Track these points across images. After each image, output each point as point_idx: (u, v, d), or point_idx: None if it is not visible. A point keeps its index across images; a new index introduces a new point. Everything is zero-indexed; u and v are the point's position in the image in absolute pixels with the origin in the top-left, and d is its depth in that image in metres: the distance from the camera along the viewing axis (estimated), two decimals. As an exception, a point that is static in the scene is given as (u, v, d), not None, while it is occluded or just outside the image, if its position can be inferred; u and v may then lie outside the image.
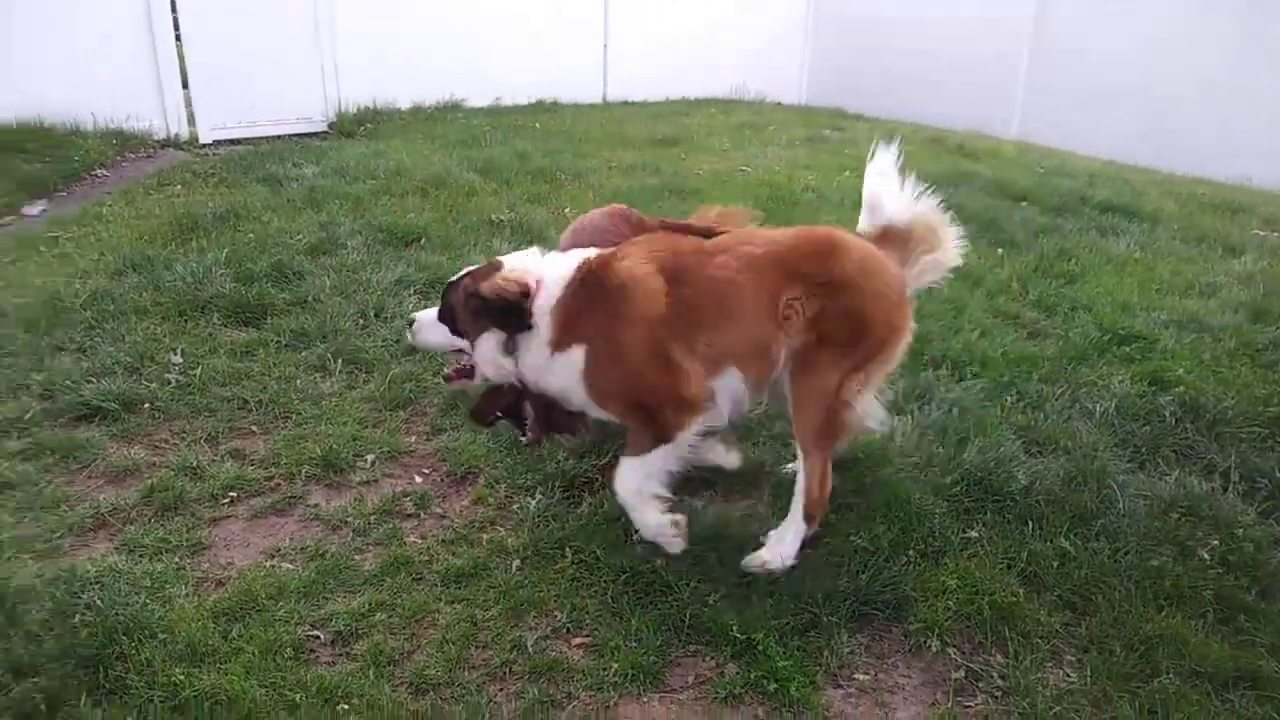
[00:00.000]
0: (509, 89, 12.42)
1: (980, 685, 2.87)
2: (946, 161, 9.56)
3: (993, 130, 12.36)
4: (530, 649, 2.95)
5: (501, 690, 2.81)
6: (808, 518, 3.30)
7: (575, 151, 9.50)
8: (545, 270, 3.26)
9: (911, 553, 3.36)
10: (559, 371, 3.23)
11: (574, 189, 8.06)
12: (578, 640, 3.02)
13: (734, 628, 2.98)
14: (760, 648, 2.91)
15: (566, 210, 7.28)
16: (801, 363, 3.19)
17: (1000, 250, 6.63)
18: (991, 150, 10.69)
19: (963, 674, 2.91)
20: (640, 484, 3.26)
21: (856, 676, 2.91)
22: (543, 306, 3.19)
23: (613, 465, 3.39)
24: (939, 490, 3.70)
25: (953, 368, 4.73)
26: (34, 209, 7.59)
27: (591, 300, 3.17)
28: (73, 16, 9.29)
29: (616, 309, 3.12)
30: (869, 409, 3.31)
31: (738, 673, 2.87)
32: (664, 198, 7.84)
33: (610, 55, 13.42)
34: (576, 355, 3.18)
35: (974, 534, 3.48)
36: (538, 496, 3.68)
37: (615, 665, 2.88)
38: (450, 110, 11.74)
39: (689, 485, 3.81)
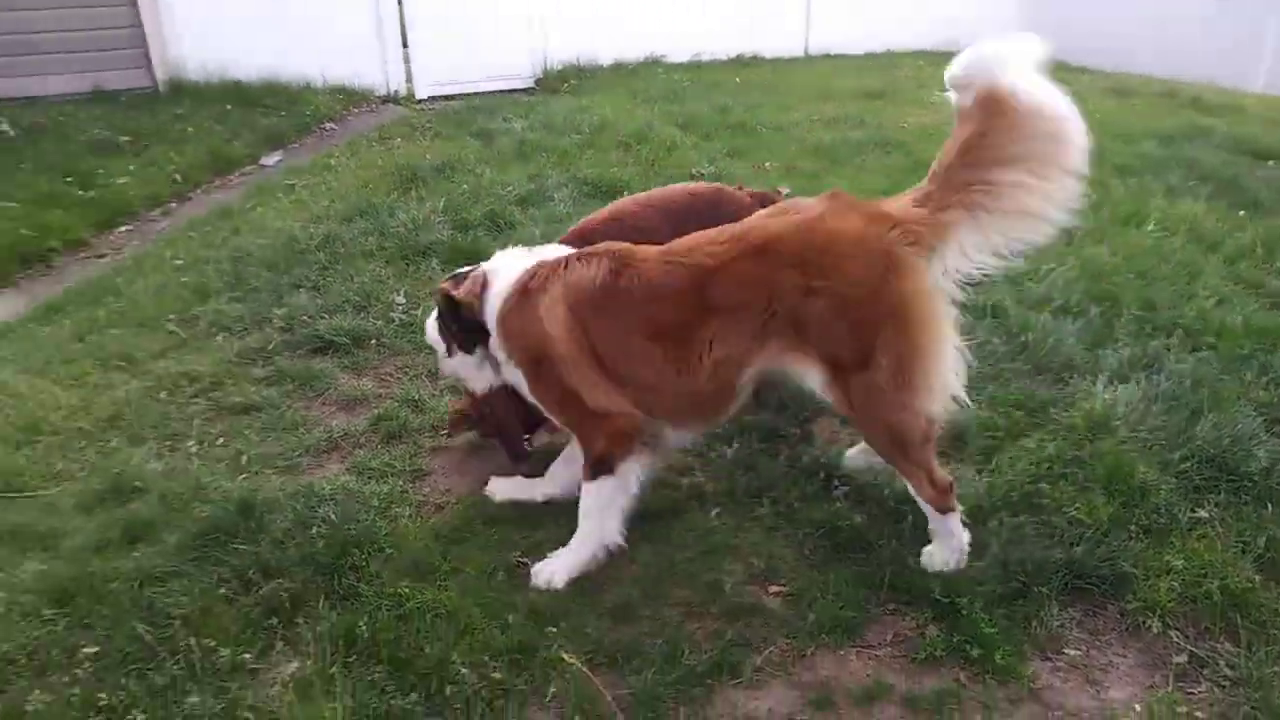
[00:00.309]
0: (709, 44, 12.36)
1: (1205, 673, 2.68)
2: (1182, 116, 8.83)
3: (1233, 84, 11.26)
4: (727, 592, 2.98)
5: (699, 628, 2.86)
6: (944, 510, 3.00)
7: (776, 105, 9.38)
8: (498, 279, 3.15)
9: (1133, 528, 3.16)
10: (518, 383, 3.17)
11: (775, 142, 7.98)
12: (774, 588, 3.03)
13: (936, 590, 2.91)
14: (964, 612, 2.82)
15: (767, 164, 7.23)
16: (830, 392, 2.89)
17: (1242, 212, 6.07)
18: (1232, 105, 9.74)
19: (1186, 659, 2.72)
20: (598, 518, 3.05)
21: (1067, 651, 2.78)
22: (490, 315, 3.14)
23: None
24: (1166, 465, 3.45)
25: (1185, 337, 4.38)
26: (271, 159, 8.24)
27: (522, 318, 3.04)
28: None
29: (541, 338, 2.99)
30: (935, 397, 2.83)
31: (939, 635, 2.79)
32: (868, 151, 7.65)
33: (814, 8, 13.07)
34: (519, 374, 3.12)
35: (1204, 514, 3.23)
36: (735, 445, 3.70)
37: (812, 616, 2.87)
38: (651, 66, 11.81)
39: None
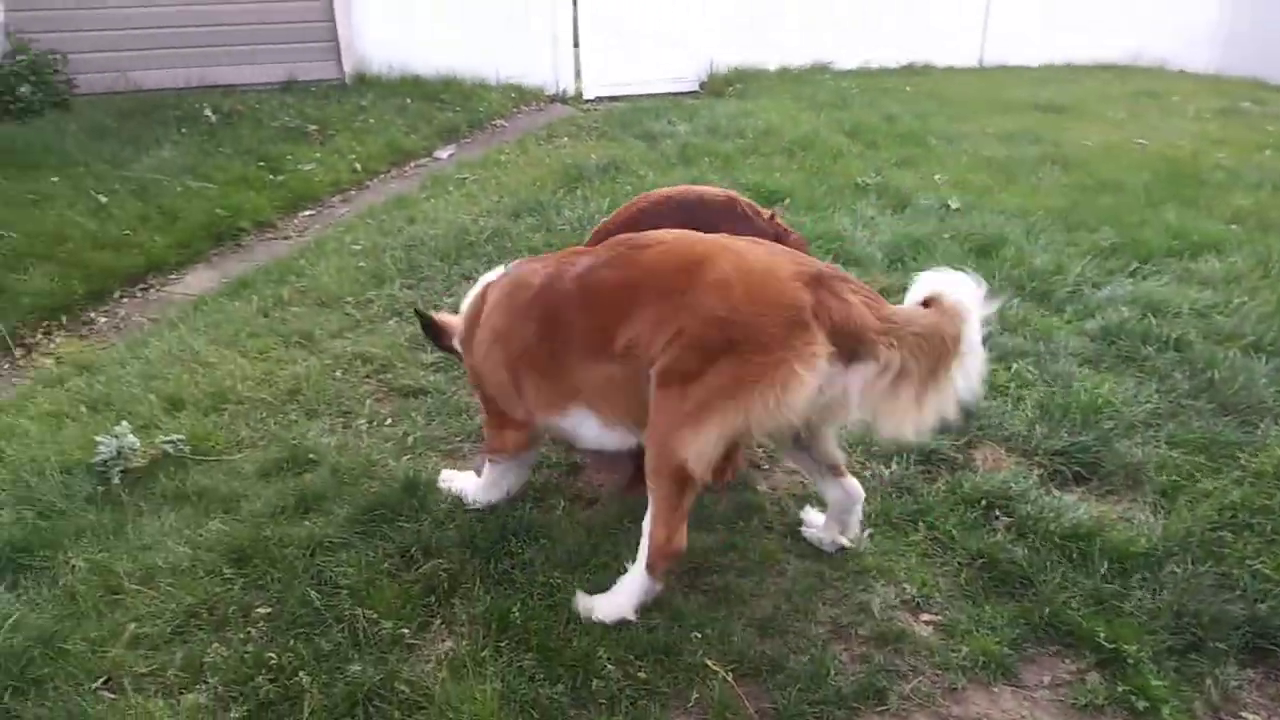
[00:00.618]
0: (878, 51, 12.07)
1: (1407, 754, 2.47)
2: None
3: None
4: (877, 615, 2.92)
5: (845, 649, 2.82)
6: (649, 567, 2.80)
7: (948, 116, 9.11)
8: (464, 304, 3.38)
9: (1328, 588, 2.93)
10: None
11: (945, 154, 7.75)
12: (925, 616, 2.95)
13: (1100, 635, 2.78)
14: (1131, 661, 2.69)
15: (936, 176, 7.03)
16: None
17: None
18: None
19: (1385, 737, 2.52)
20: (493, 484, 3.34)
21: (1244, 715, 2.60)
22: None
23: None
24: (1369, 522, 3.18)
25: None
26: (444, 152, 8.56)
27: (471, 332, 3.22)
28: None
29: (486, 318, 3.13)
30: (701, 458, 2.63)
31: (1101, 683, 2.67)
32: (1044, 168, 7.35)
33: (992, 16, 12.58)
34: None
35: None
36: (893, 466, 3.62)
37: (965, 649, 2.78)
38: (817, 72, 11.63)
39: (1057, 477, 3.58)
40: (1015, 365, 4.27)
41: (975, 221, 5.96)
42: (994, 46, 12.69)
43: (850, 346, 2.54)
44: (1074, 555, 3.12)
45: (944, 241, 5.62)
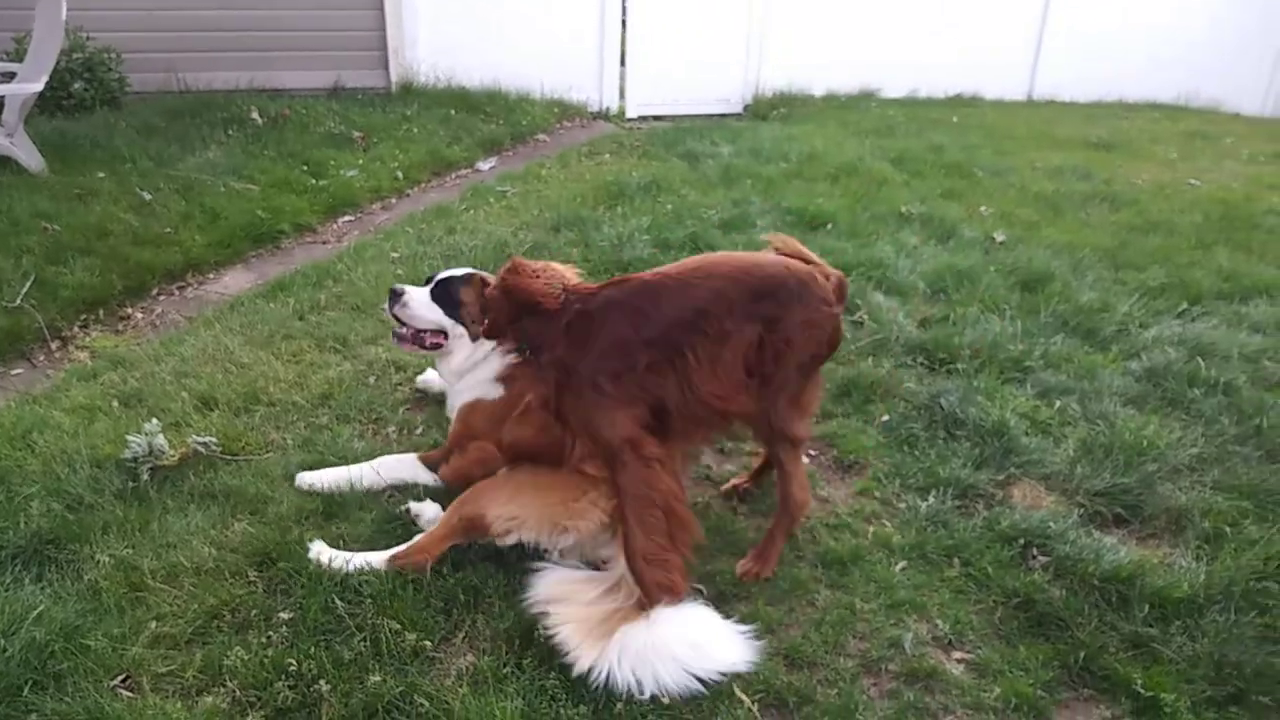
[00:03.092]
0: (926, 81, 12.06)
1: None
2: None
3: None
4: (908, 651, 2.84)
5: (875, 685, 2.74)
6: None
7: (995, 149, 9.00)
8: None
9: (1377, 645, 2.81)
10: None
11: (992, 187, 7.65)
12: (958, 654, 2.87)
13: (1137, 681, 2.70)
14: (1168, 710, 2.60)
15: (981, 208, 6.93)
16: None
17: None
18: None
19: None
20: None
21: (1289, 773, 2.50)
22: None
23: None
24: None
25: None
26: (486, 164, 8.57)
27: None
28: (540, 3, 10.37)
29: None
30: None
31: (1137, 730, 2.57)
32: (1092, 205, 7.23)
33: (1044, 49, 12.48)
34: None
35: None
36: (930, 499, 3.53)
37: (997, 689, 2.71)
38: (864, 99, 11.61)
39: (1097, 518, 3.48)
40: (1058, 402, 4.18)
41: (1020, 256, 5.87)
42: (1045, 80, 12.60)
43: None
44: (1112, 598, 3.04)
45: (988, 274, 5.52)
